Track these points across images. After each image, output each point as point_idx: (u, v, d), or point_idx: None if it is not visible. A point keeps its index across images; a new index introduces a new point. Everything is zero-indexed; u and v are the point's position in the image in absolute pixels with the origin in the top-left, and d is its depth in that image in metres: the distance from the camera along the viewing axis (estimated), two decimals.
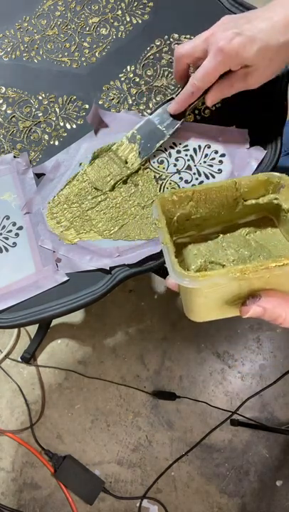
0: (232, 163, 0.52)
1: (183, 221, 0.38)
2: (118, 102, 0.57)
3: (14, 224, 0.54)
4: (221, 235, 0.38)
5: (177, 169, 0.53)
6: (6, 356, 1.16)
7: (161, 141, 0.52)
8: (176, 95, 0.50)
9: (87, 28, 0.61)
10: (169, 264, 0.31)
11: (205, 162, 0.53)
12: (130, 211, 0.53)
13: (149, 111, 0.56)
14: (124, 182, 0.54)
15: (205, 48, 0.43)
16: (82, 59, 0.60)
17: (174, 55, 0.47)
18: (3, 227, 0.54)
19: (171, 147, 0.54)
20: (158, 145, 0.52)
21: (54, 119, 0.58)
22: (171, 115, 0.52)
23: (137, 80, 0.57)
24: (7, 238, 0.54)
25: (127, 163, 0.53)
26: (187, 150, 0.54)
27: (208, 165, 0.53)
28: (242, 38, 0.40)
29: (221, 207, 0.38)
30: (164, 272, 1.11)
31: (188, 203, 0.37)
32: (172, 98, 0.51)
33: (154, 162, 0.54)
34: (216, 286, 0.30)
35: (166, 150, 0.54)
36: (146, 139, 0.53)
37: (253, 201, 0.37)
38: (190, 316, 0.35)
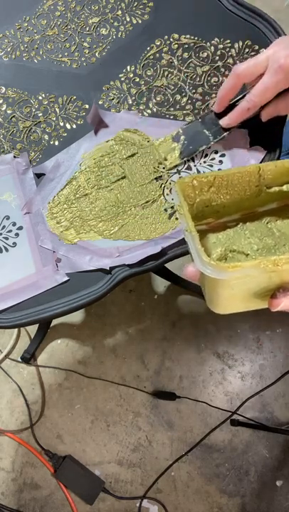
0: (232, 163, 0.52)
1: (202, 207, 0.37)
2: (118, 102, 0.57)
3: (14, 224, 0.54)
4: (241, 223, 0.36)
5: (177, 169, 0.53)
6: (6, 356, 1.15)
7: (205, 146, 0.51)
8: (235, 102, 0.49)
9: (87, 28, 0.61)
10: (195, 253, 0.30)
11: (205, 162, 0.53)
12: (130, 211, 0.53)
13: (149, 111, 0.56)
14: (124, 181, 0.54)
15: (266, 66, 0.43)
16: (82, 59, 0.60)
17: (230, 72, 0.46)
18: (3, 227, 0.54)
19: (160, 158, 0.54)
20: (200, 149, 0.51)
21: (54, 119, 0.58)
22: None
23: (137, 79, 0.57)
24: (7, 238, 0.54)
25: (166, 160, 0.53)
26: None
27: (208, 165, 0.53)
28: None
29: (243, 193, 0.37)
30: (164, 272, 1.09)
31: (209, 189, 0.36)
32: (233, 104, 0.50)
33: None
34: (244, 278, 0.28)
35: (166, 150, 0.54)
36: (190, 140, 0.52)
37: (277, 188, 0.36)
38: (213, 308, 0.34)
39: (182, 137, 0.52)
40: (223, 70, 0.55)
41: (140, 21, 0.60)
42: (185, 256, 0.50)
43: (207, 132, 0.51)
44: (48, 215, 0.54)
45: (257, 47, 0.55)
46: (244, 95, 0.47)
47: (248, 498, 1.02)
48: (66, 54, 0.60)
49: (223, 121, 0.49)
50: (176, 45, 0.57)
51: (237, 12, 0.56)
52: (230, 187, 0.36)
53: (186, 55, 0.57)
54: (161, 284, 1.17)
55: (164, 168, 0.53)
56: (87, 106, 0.58)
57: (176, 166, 0.53)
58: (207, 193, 0.36)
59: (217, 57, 0.56)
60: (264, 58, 0.43)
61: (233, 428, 1.06)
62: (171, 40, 0.58)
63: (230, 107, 0.48)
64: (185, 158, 0.52)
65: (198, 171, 0.53)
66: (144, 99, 0.56)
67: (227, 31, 0.56)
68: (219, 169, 0.53)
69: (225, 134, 0.50)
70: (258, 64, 0.44)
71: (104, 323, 1.16)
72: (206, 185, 0.36)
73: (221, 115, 0.50)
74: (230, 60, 0.55)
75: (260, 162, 0.51)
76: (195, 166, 0.53)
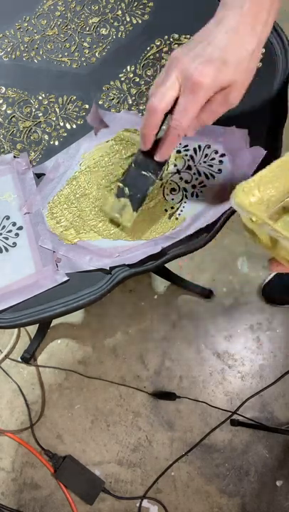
0: (232, 163, 0.52)
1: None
2: (118, 102, 0.57)
3: (14, 224, 0.54)
4: None
5: (177, 169, 0.53)
6: (6, 356, 1.15)
7: (151, 188, 0.48)
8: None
9: (87, 28, 0.61)
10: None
11: (205, 162, 0.53)
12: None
13: None
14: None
15: (178, 87, 0.40)
16: (82, 59, 0.60)
17: (147, 109, 0.42)
18: (3, 227, 0.54)
19: (167, 163, 0.54)
20: (149, 192, 0.48)
21: (54, 119, 0.58)
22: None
23: (137, 80, 0.57)
24: (7, 238, 0.54)
25: (122, 218, 0.50)
26: (187, 150, 0.54)
27: (208, 165, 0.53)
28: (214, 63, 0.38)
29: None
30: (164, 272, 1.09)
31: (259, 189, 0.36)
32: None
33: None
34: None
35: None
36: (134, 189, 0.48)
37: None
38: None
39: (126, 190, 0.49)
40: None
41: (140, 21, 0.60)
42: (185, 256, 0.50)
43: (146, 173, 0.48)
44: (48, 215, 0.54)
45: None
46: (163, 121, 0.44)
47: (248, 498, 1.02)
48: (66, 54, 0.60)
49: (158, 157, 0.46)
50: (176, 45, 0.57)
51: None
52: (275, 180, 0.37)
53: None
54: (161, 284, 1.17)
55: (120, 225, 0.51)
56: (87, 106, 0.58)
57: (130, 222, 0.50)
58: (258, 193, 0.36)
59: None
60: (174, 80, 0.40)
61: (233, 428, 1.06)
62: (171, 40, 0.58)
63: (156, 140, 0.45)
64: (139, 210, 0.49)
65: (199, 171, 0.53)
66: (144, 99, 0.56)
67: None
68: (219, 169, 0.53)
69: (164, 166, 0.48)
70: (169, 89, 0.40)
71: (104, 323, 1.16)
72: (255, 188, 0.36)
73: (150, 151, 0.46)
74: None
75: (260, 162, 0.51)
76: (195, 165, 0.53)
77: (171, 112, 0.42)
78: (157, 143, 0.45)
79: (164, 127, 0.44)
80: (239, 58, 0.39)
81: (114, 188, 0.50)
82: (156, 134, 0.44)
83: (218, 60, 0.38)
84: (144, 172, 0.48)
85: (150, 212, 0.52)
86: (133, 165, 0.48)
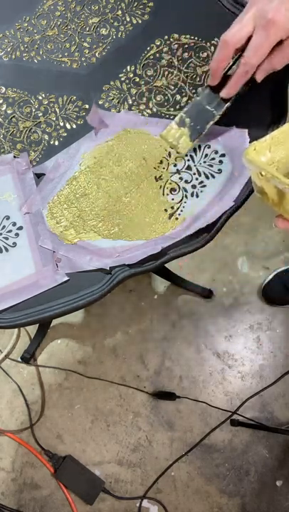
0: (232, 163, 0.52)
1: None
2: (118, 102, 0.57)
3: (14, 224, 0.54)
4: None
5: (177, 169, 0.53)
6: (6, 356, 1.15)
7: (212, 122, 0.50)
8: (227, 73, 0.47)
9: (87, 28, 0.61)
10: None
11: (205, 162, 0.53)
12: (130, 211, 0.53)
13: (149, 111, 0.56)
14: (125, 182, 0.54)
15: (252, 25, 0.42)
16: (82, 59, 0.60)
17: (219, 42, 0.44)
18: (3, 227, 0.54)
19: (172, 147, 0.54)
20: (208, 126, 0.51)
21: (54, 119, 0.58)
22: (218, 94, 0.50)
23: (137, 80, 0.57)
24: (7, 238, 0.54)
25: (178, 146, 0.52)
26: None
27: (208, 165, 0.53)
28: None
29: None
30: (164, 272, 1.09)
31: (270, 150, 0.37)
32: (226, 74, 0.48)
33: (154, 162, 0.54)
34: None
35: (166, 150, 0.54)
36: (195, 121, 0.51)
37: None
38: None
39: (187, 120, 0.51)
40: None
41: (140, 21, 0.60)
42: (185, 256, 0.50)
43: (209, 108, 0.50)
44: (48, 215, 0.54)
45: None
46: (236, 60, 0.46)
47: (248, 498, 1.02)
48: (66, 54, 0.60)
49: (224, 92, 0.48)
50: (176, 45, 0.57)
51: (237, 12, 0.56)
52: (286, 141, 0.38)
53: (186, 55, 0.57)
54: (161, 284, 1.17)
55: (177, 153, 0.52)
56: (87, 106, 0.58)
57: (188, 151, 0.52)
58: (269, 153, 0.38)
59: None
60: (249, 18, 0.42)
61: (233, 428, 1.06)
62: (171, 40, 0.58)
63: (224, 77, 0.47)
64: (196, 140, 0.51)
65: (199, 171, 0.53)
66: (144, 99, 0.56)
67: None
68: (219, 169, 0.53)
69: (227, 104, 0.50)
70: (244, 26, 0.42)
71: (104, 323, 1.16)
72: (266, 148, 0.37)
73: (217, 87, 0.49)
74: None
75: None
76: (195, 165, 0.53)
77: (243, 50, 0.43)
78: (225, 80, 0.47)
79: (234, 67, 0.45)
80: None
81: (177, 117, 0.52)
82: (226, 71, 0.47)
83: None
84: (207, 106, 0.50)
85: (150, 212, 0.52)
86: (198, 98, 0.50)
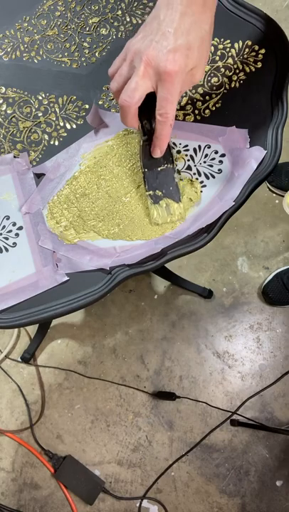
0: (232, 163, 0.52)
1: None
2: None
3: (14, 224, 0.54)
4: None
5: (177, 169, 0.53)
6: (6, 356, 1.15)
7: (176, 174, 0.50)
8: (144, 140, 0.47)
9: (87, 28, 0.61)
10: None
11: (205, 162, 0.53)
12: (130, 211, 0.53)
13: None
14: (125, 182, 0.54)
15: (150, 83, 0.40)
16: (82, 59, 0.60)
17: (121, 108, 0.42)
18: (3, 227, 0.54)
19: (172, 147, 0.54)
20: (177, 180, 0.50)
21: (54, 119, 0.58)
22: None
23: None
24: (7, 238, 0.54)
25: (172, 217, 0.51)
26: (187, 150, 0.54)
27: (208, 165, 0.53)
28: (180, 51, 0.38)
29: None
30: (164, 272, 1.09)
31: None
32: (144, 141, 0.48)
33: None
34: None
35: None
36: (163, 186, 0.50)
37: None
38: None
39: (157, 192, 0.50)
40: (223, 70, 0.55)
41: (140, 21, 0.60)
42: (185, 256, 0.50)
43: (162, 167, 0.49)
44: (48, 215, 0.54)
45: (257, 47, 0.55)
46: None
47: (248, 498, 1.02)
48: (66, 54, 0.60)
49: (156, 153, 0.47)
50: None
51: (237, 12, 0.56)
52: None
53: None
54: (161, 284, 1.17)
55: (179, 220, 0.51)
56: (87, 106, 0.58)
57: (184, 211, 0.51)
58: None
59: (217, 58, 0.56)
60: (142, 73, 0.39)
61: (233, 428, 1.06)
62: None
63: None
64: (180, 198, 0.50)
65: (199, 171, 0.53)
66: None
67: (227, 31, 0.56)
68: (219, 169, 0.53)
69: (172, 151, 0.49)
70: (139, 86, 0.40)
71: (104, 323, 1.16)
72: None
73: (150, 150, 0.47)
74: (230, 60, 0.55)
75: (260, 162, 0.51)
76: (195, 165, 0.53)
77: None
78: (151, 138, 0.46)
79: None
80: (201, 40, 0.39)
81: (148, 199, 0.51)
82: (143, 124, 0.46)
83: (183, 46, 0.38)
84: (159, 168, 0.49)
85: (150, 212, 0.52)
86: (146, 170, 0.49)
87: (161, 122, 0.42)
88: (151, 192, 0.50)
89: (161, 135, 0.44)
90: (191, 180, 0.52)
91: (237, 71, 0.55)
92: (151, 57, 0.39)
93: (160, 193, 0.50)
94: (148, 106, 0.43)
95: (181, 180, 0.52)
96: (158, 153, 0.47)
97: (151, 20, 0.40)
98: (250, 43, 0.55)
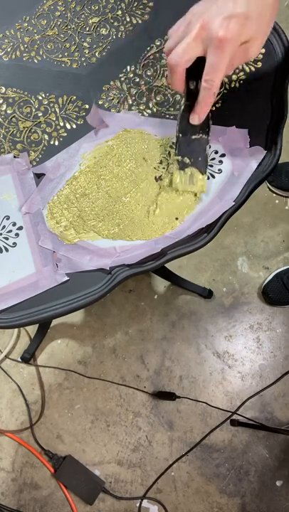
0: (232, 163, 0.52)
1: None
2: (118, 102, 0.57)
3: (14, 224, 0.54)
4: None
5: None
6: (6, 356, 1.15)
7: (208, 146, 0.49)
8: (184, 105, 0.47)
9: (87, 28, 0.61)
10: None
11: None
12: (130, 211, 0.53)
13: (149, 111, 0.56)
14: (125, 182, 0.54)
15: (201, 46, 0.40)
16: (82, 59, 0.60)
17: (168, 67, 0.43)
18: (3, 227, 0.54)
19: (171, 147, 0.54)
20: (208, 152, 0.50)
21: (54, 119, 0.58)
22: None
23: (137, 80, 0.57)
24: (7, 238, 0.54)
25: (197, 188, 0.51)
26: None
27: (208, 165, 0.53)
28: (236, 19, 0.38)
29: None
30: (164, 272, 1.09)
31: None
32: (186, 106, 0.47)
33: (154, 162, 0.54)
34: None
35: (166, 150, 0.54)
36: (193, 155, 0.50)
37: None
38: None
39: (185, 159, 0.50)
40: None
41: (140, 21, 0.60)
42: (185, 256, 0.50)
43: (197, 136, 0.49)
44: (48, 215, 0.54)
45: None
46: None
47: (248, 498, 1.02)
48: (66, 54, 0.60)
49: (194, 120, 0.46)
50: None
51: None
52: None
53: None
54: (161, 284, 1.17)
55: (197, 195, 0.52)
56: (87, 106, 0.58)
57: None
58: None
59: None
60: (196, 39, 0.39)
61: (233, 428, 1.06)
62: None
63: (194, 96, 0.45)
64: (208, 171, 0.51)
65: None
66: (144, 99, 0.56)
67: None
68: (219, 169, 0.53)
69: (209, 121, 0.48)
70: (191, 48, 0.40)
71: (104, 323, 1.16)
72: None
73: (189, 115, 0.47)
74: None
75: (260, 162, 0.51)
76: None
77: (189, 70, 0.42)
78: (193, 104, 0.45)
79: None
80: (260, 13, 0.39)
81: (175, 164, 0.50)
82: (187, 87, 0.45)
83: (241, 15, 0.38)
84: (193, 136, 0.49)
85: (150, 211, 0.52)
86: (180, 135, 0.49)
87: (205, 89, 0.42)
88: (179, 157, 0.50)
89: (203, 102, 0.44)
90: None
91: (237, 71, 0.55)
92: (206, 21, 0.39)
93: (188, 160, 0.50)
94: (199, 70, 0.42)
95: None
96: (196, 119, 0.46)
97: None
98: None
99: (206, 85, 0.42)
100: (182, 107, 0.48)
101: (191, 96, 0.46)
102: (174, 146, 0.51)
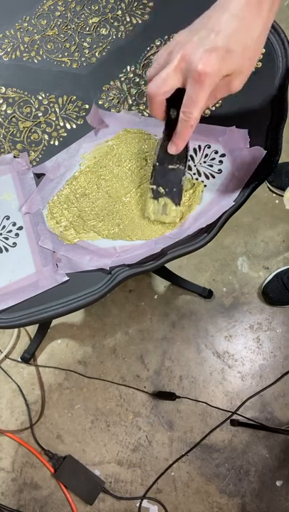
0: (232, 163, 0.52)
1: None
2: (118, 102, 0.57)
3: (14, 224, 0.54)
4: None
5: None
6: (6, 356, 1.15)
7: (184, 177, 0.49)
8: (165, 134, 0.46)
9: (87, 28, 0.61)
10: None
11: (205, 162, 0.53)
12: (130, 211, 0.53)
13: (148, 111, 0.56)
14: (125, 182, 0.54)
15: (181, 78, 0.39)
16: (82, 59, 0.60)
17: (147, 96, 0.41)
18: (3, 227, 0.54)
19: (188, 150, 0.54)
20: (183, 183, 0.49)
21: (54, 119, 0.58)
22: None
23: (137, 80, 0.57)
24: (7, 238, 0.54)
25: (166, 218, 0.51)
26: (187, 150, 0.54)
27: (208, 165, 0.53)
28: (217, 52, 0.36)
29: None
30: (164, 272, 1.09)
31: None
32: (165, 135, 0.46)
33: None
34: None
35: None
36: (168, 185, 0.49)
37: None
38: None
39: (160, 189, 0.49)
40: None
41: (140, 21, 0.60)
42: (185, 256, 0.50)
43: (174, 166, 0.48)
44: (48, 215, 0.54)
45: None
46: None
47: (248, 498, 1.02)
48: (66, 54, 0.60)
49: (171, 149, 0.45)
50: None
51: None
52: None
53: None
54: (161, 284, 1.17)
55: (170, 223, 0.51)
56: (87, 106, 0.58)
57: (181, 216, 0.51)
58: None
59: None
60: (175, 70, 0.39)
61: (233, 428, 1.06)
62: (171, 40, 0.58)
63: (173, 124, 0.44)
64: (180, 202, 0.50)
65: (199, 171, 0.53)
66: (144, 99, 0.56)
67: None
68: (219, 169, 0.53)
69: (187, 153, 0.47)
70: (169, 78, 0.39)
71: (104, 323, 1.16)
72: None
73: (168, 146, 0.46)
74: None
75: (260, 162, 0.51)
76: (195, 166, 0.53)
77: (170, 99, 0.41)
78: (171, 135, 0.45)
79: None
80: (244, 46, 0.37)
81: (149, 192, 0.50)
82: (168, 117, 0.44)
83: (222, 49, 0.36)
84: (170, 166, 0.48)
85: (150, 211, 0.52)
86: (157, 164, 0.48)
87: (182, 120, 0.41)
88: (154, 186, 0.49)
89: (180, 133, 0.43)
90: (193, 184, 0.52)
91: None
92: (187, 52, 0.38)
93: (163, 190, 0.49)
94: (181, 99, 0.41)
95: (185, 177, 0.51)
96: (173, 150, 0.45)
97: (204, 15, 0.39)
98: None
99: (183, 117, 0.41)
100: (162, 136, 0.47)
101: (172, 125, 0.45)
102: (150, 174, 0.50)
